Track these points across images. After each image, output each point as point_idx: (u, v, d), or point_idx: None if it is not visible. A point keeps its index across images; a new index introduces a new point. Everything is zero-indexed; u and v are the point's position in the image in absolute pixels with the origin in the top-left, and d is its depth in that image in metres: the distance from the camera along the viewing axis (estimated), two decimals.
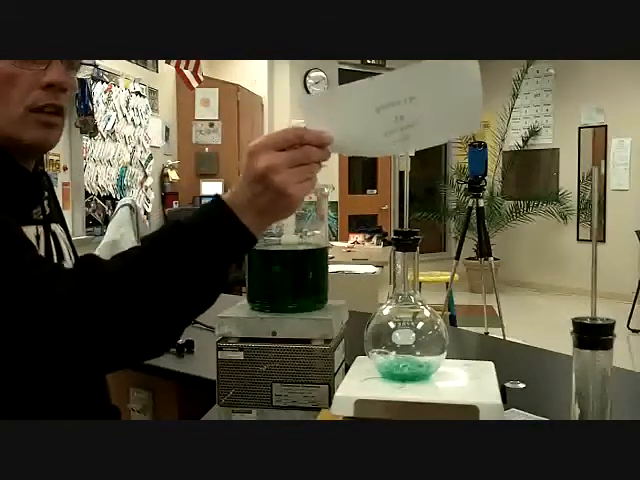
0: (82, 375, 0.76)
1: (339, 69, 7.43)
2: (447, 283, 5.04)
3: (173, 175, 5.89)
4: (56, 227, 1.03)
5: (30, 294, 0.68)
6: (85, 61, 0.98)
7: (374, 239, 5.34)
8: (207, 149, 6.19)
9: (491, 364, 1.01)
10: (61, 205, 1.15)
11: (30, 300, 0.67)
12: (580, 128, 7.38)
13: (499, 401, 0.88)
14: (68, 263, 1.02)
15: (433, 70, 0.83)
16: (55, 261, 0.98)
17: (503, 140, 7.84)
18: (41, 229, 0.96)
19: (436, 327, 0.96)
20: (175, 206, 5.84)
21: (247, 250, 0.79)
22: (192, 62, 5.16)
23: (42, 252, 0.93)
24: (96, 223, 4.75)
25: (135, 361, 0.80)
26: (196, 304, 0.77)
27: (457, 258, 4.89)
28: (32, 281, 0.69)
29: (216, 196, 0.78)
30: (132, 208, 2.67)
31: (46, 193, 1.02)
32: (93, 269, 0.71)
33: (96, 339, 0.69)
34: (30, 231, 0.92)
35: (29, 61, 0.90)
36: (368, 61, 7.69)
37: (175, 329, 0.76)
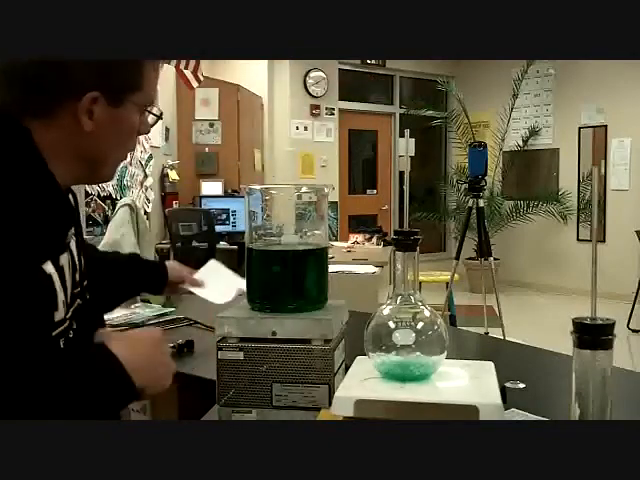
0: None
1: (339, 69, 7.43)
2: (447, 283, 5.04)
3: (173, 175, 5.89)
4: (72, 243, 1.00)
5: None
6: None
7: (374, 239, 5.34)
8: (207, 149, 6.19)
9: (491, 364, 1.01)
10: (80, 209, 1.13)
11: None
12: (580, 128, 7.38)
13: (499, 401, 0.88)
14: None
15: None
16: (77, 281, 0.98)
17: (503, 140, 7.83)
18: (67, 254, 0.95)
19: (436, 327, 0.96)
20: (175, 206, 5.84)
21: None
22: (192, 62, 5.15)
23: (69, 277, 0.93)
24: (96, 223, 4.75)
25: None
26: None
27: (457, 258, 4.89)
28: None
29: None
30: (132, 208, 2.66)
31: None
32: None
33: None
34: (65, 259, 0.91)
35: (142, 108, 0.97)
36: (368, 61, 7.70)
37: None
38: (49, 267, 0.86)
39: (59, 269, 0.89)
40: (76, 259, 0.99)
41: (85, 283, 1.02)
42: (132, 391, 0.85)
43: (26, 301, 0.81)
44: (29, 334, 0.81)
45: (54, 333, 0.88)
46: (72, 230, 0.97)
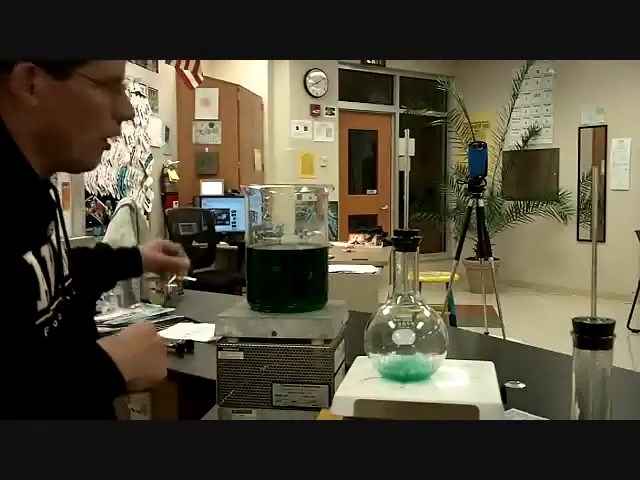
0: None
1: (339, 69, 7.43)
2: (447, 283, 5.04)
3: (173, 175, 5.89)
4: (53, 237, 1.00)
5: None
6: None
7: (374, 239, 5.34)
8: (207, 149, 6.19)
9: (491, 364, 1.01)
10: (61, 205, 1.14)
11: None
12: (580, 128, 7.38)
13: (499, 401, 0.88)
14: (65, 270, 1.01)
15: None
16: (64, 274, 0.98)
17: (503, 140, 7.83)
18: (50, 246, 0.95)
19: (436, 327, 0.96)
20: (175, 206, 5.84)
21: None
22: (192, 62, 5.16)
23: (52, 270, 0.93)
24: (96, 223, 4.75)
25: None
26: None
27: (457, 258, 4.89)
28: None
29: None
30: (132, 208, 2.66)
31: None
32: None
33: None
34: (46, 251, 0.91)
35: (109, 90, 0.94)
36: (368, 61, 7.70)
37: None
38: (30, 257, 0.86)
39: (40, 260, 0.88)
40: (61, 254, 0.99)
41: (70, 280, 1.02)
42: (117, 379, 0.86)
43: (7, 289, 0.81)
44: (10, 321, 0.81)
45: (37, 322, 0.87)
46: (52, 224, 0.96)
